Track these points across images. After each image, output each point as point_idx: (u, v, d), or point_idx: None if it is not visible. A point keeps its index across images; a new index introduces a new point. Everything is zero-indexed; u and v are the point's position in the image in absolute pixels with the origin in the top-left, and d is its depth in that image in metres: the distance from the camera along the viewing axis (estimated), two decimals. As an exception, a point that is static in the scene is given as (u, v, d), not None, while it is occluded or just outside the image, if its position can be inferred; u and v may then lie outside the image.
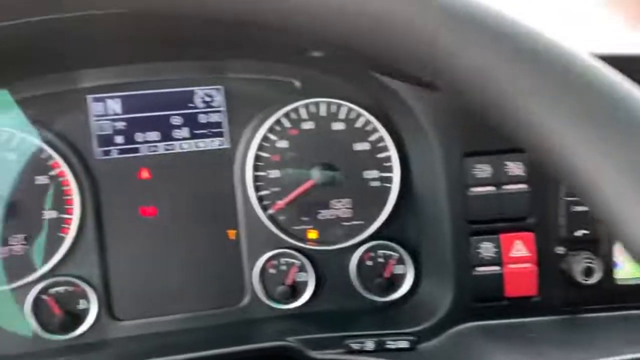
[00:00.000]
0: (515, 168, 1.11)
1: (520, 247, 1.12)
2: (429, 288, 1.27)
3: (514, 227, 1.13)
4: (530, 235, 1.13)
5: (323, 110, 1.29)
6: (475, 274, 1.13)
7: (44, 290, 1.22)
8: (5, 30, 0.74)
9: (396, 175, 1.29)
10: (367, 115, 1.28)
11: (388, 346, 1.14)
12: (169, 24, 1.09)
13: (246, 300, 1.31)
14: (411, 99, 1.10)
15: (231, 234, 1.31)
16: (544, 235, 1.14)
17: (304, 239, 1.31)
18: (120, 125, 1.27)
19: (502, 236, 1.13)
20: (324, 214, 1.31)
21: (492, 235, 1.13)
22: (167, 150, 1.28)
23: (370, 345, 1.14)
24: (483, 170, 1.10)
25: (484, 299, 1.14)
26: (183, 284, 1.29)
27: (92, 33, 1.08)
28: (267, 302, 1.30)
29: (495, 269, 1.13)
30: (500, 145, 1.11)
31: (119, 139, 1.26)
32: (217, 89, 1.30)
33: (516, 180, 1.11)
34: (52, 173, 1.22)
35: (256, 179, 1.29)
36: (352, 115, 1.29)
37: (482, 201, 1.11)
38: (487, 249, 1.12)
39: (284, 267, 1.31)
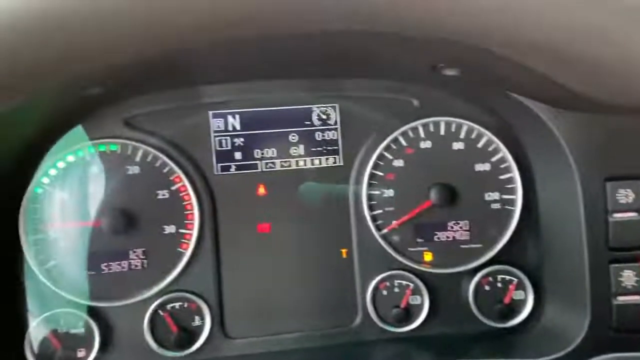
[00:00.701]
0: (660, 193, 1.06)
1: (664, 277, 1.07)
2: (553, 315, 1.22)
3: (658, 255, 1.08)
4: (675, 264, 1.08)
5: (442, 130, 1.27)
6: (616, 303, 1.08)
7: (160, 306, 1.22)
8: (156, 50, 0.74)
9: (519, 197, 1.25)
10: (489, 135, 1.25)
11: (520, 376, 1.09)
12: (302, 42, 1.09)
13: (358, 321, 1.28)
14: (552, 120, 1.06)
15: (344, 252, 1.29)
16: None
17: (419, 261, 1.27)
18: (239, 141, 1.26)
19: (645, 264, 1.08)
20: (440, 236, 1.28)
21: (634, 263, 1.08)
22: (283, 167, 1.27)
23: (501, 374, 1.09)
24: (626, 195, 1.06)
25: (624, 330, 1.08)
26: (295, 303, 1.27)
27: (224, 51, 1.09)
28: (380, 324, 1.27)
29: (637, 298, 1.07)
30: (644, 170, 1.07)
31: (238, 155, 1.26)
32: (332, 107, 1.29)
33: (662, 206, 1.07)
34: (173, 188, 1.22)
35: (370, 197, 1.27)
36: (473, 135, 1.26)
37: (624, 228, 1.06)
38: (628, 277, 1.07)
39: (396, 289, 1.28)
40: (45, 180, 1.17)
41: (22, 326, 1.17)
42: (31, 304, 1.18)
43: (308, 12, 0.68)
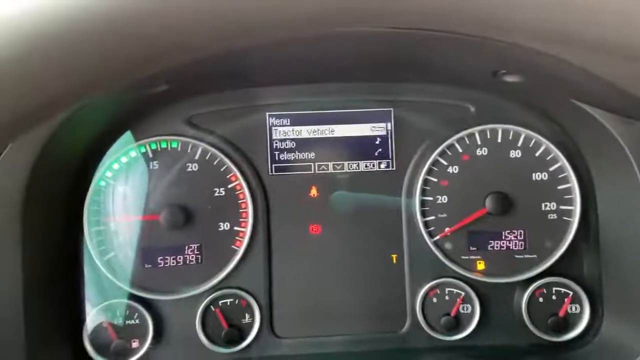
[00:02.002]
0: None
1: None
2: (612, 330, 1.18)
3: None
4: None
5: (499, 137, 1.25)
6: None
7: (212, 302, 1.24)
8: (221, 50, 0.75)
9: (577, 208, 1.23)
10: (548, 143, 1.23)
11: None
12: (361, 45, 1.09)
13: (406, 327, 1.27)
14: (617, 128, 1.04)
15: (395, 258, 1.28)
16: None
17: (471, 270, 1.26)
18: (293, 143, 1.28)
19: None
20: (494, 245, 1.26)
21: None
22: (336, 169, 1.28)
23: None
24: (696, 208, 1.02)
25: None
26: (344, 306, 1.27)
27: (283, 54, 1.11)
28: (428, 331, 1.25)
29: None
30: None
31: (292, 157, 1.28)
32: (387, 111, 1.29)
33: None
34: (230, 186, 1.25)
35: (423, 203, 1.27)
36: (531, 144, 1.24)
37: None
38: (695, 293, 1.03)
39: (447, 297, 1.26)
40: (109, 174, 1.21)
41: (80, 316, 1.21)
42: (89, 294, 1.22)
43: (371, 13, 0.68)
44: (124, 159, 1.22)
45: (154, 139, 1.22)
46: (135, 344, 1.21)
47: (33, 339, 1.06)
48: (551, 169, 1.24)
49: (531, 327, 1.23)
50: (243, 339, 1.24)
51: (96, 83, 0.63)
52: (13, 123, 0.48)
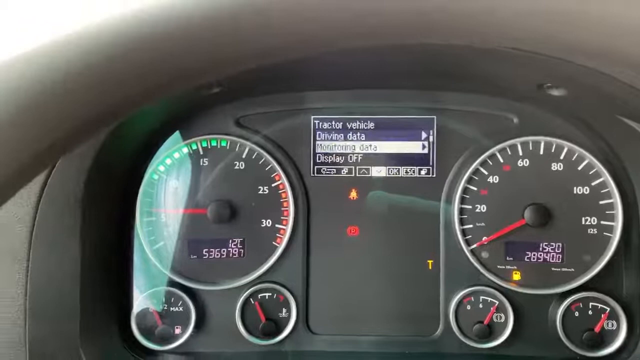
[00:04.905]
0: None
1: None
2: (649, 350, 1.17)
3: None
4: None
5: (542, 149, 1.26)
6: None
7: (252, 294, 1.29)
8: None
9: (619, 224, 1.22)
10: (591, 158, 1.23)
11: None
12: (408, 54, 1.12)
13: (438, 332, 1.29)
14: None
15: (430, 264, 1.31)
16: None
17: (507, 280, 1.27)
18: (336, 145, 1.32)
19: None
20: (531, 256, 1.26)
21: None
22: (376, 173, 1.32)
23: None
24: None
25: None
26: (378, 307, 1.30)
27: (331, 61, 1.14)
28: (460, 337, 1.27)
29: None
30: None
31: (334, 159, 1.32)
32: (430, 118, 1.31)
33: None
34: (273, 185, 1.30)
35: (461, 211, 1.28)
36: (574, 157, 1.24)
37: None
38: None
39: (481, 305, 1.28)
40: (161, 168, 1.29)
41: (129, 301, 1.29)
42: (138, 280, 1.30)
43: (434, 29, 0.71)
44: (176, 155, 1.29)
45: (205, 137, 1.29)
46: (178, 330, 1.28)
47: (87, 319, 1.14)
48: (593, 183, 1.24)
49: (565, 341, 1.23)
50: (279, 332, 1.29)
51: (171, 85, 0.66)
52: (94, 121, 0.52)
